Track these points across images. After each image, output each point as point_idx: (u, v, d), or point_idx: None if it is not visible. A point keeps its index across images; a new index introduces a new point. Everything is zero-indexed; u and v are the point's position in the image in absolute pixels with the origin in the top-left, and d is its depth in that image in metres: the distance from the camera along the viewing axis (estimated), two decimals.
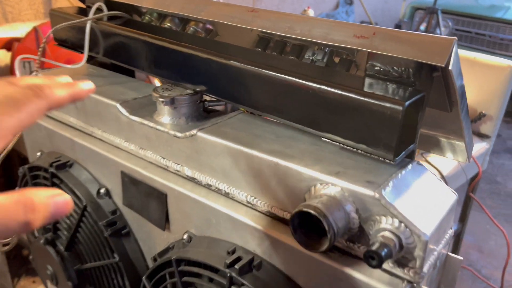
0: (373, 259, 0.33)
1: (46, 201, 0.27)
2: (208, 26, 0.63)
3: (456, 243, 2.17)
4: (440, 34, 4.01)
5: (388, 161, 0.39)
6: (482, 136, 1.87)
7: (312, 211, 0.35)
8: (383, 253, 0.33)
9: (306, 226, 0.38)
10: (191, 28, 0.62)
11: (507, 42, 3.54)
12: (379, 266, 0.33)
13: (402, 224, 0.35)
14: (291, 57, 0.51)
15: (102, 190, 0.59)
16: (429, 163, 1.65)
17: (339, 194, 0.37)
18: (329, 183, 0.38)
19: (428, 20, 3.13)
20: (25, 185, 0.68)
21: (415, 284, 0.36)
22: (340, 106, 0.39)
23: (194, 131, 0.48)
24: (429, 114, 0.45)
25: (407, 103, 0.36)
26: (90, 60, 0.73)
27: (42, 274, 0.72)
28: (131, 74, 0.69)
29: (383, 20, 4.99)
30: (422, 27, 3.90)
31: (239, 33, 0.58)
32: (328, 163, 0.40)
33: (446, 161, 1.65)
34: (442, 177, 1.62)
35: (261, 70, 0.45)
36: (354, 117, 0.39)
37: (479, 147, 1.81)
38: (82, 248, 0.62)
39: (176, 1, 0.59)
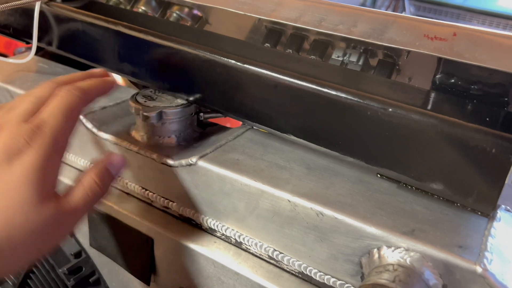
0: None
1: (103, 166, 0.33)
2: (195, 12, 0.49)
3: None
4: None
5: (480, 213, 0.28)
6: None
7: None
8: None
9: None
10: (174, 14, 0.49)
11: None
12: None
13: None
14: (312, 57, 0.39)
15: None
16: None
17: (418, 263, 0.26)
18: (401, 246, 0.27)
19: (394, 6, 3.09)
20: None
21: None
22: (417, 136, 0.28)
23: (193, 159, 0.35)
24: None
25: None
26: (39, 51, 0.58)
27: None
28: None
29: None
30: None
31: (237, 22, 0.45)
32: (394, 213, 0.29)
33: None
34: None
35: (288, 78, 0.32)
36: (438, 153, 0.28)
37: None
38: None
39: None
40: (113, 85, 0.35)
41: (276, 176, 0.33)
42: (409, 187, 0.31)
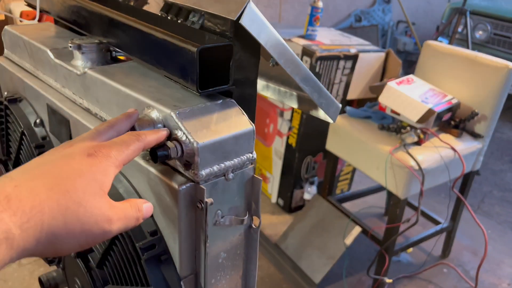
0: (152, 156, 0.45)
1: (143, 204, 0.43)
2: None
3: (447, 241, 2.19)
4: (477, 37, 3.91)
5: (196, 93, 0.50)
6: (475, 136, 1.89)
7: None
8: (159, 153, 0.45)
9: None
10: None
11: None
12: (155, 161, 0.45)
13: (184, 135, 0.46)
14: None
15: (38, 120, 0.74)
16: (410, 154, 1.71)
17: (155, 115, 0.49)
18: (152, 107, 0.50)
19: (464, 21, 3.06)
20: None
21: (195, 183, 0.47)
22: (167, 48, 0.51)
23: (86, 70, 0.61)
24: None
25: (202, 46, 0.47)
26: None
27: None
28: None
29: (424, 21, 4.91)
30: (460, 29, 3.82)
31: None
32: (158, 93, 0.52)
33: (429, 155, 1.69)
34: (420, 168, 1.67)
35: (132, 23, 0.57)
36: (176, 57, 0.50)
37: (471, 146, 1.84)
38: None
39: None
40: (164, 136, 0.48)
41: (119, 79, 0.57)
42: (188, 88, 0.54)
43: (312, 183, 2.35)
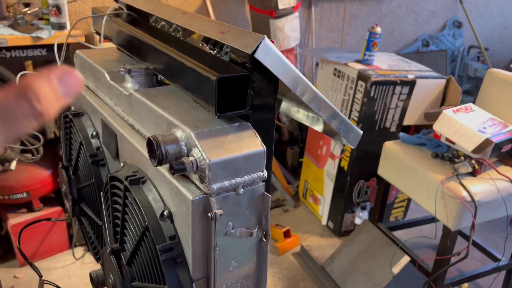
0: (171, 169, 0.52)
1: (50, 85, 0.26)
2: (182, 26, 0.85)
3: (506, 280, 2.06)
4: None
5: (215, 115, 0.57)
6: None
7: (151, 137, 0.55)
8: (176, 167, 0.52)
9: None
10: (173, 26, 0.85)
11: None
12: (173, 173, 0.52)
13: (200, 152, 0.53)
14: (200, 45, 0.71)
15: (94, 133, 0.85)
16: (462, 185, 1.67)
17: (179, 133, 0.57)
18: (178, 127, 0.58)
19: None
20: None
21: (207, 195, 0.53)
22: (195, 76, 0.58)
23: (131, 91, 0.70)
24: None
25: (221, 76, 0.54)
26: None
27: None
28: None
29: (500, 47, 4.68)
30: None
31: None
32: (185, 115, 0.59)
33: (484, 187, 1.64)
34: (472, 200, 1.62)
35: (170, 53, 0.65)
36: (201, 84, 0.57)
37: None
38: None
39: (163, 10, 0.83)
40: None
41: (158, 101, 0.66)
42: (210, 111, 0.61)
43: (363, 208, 2.32)
